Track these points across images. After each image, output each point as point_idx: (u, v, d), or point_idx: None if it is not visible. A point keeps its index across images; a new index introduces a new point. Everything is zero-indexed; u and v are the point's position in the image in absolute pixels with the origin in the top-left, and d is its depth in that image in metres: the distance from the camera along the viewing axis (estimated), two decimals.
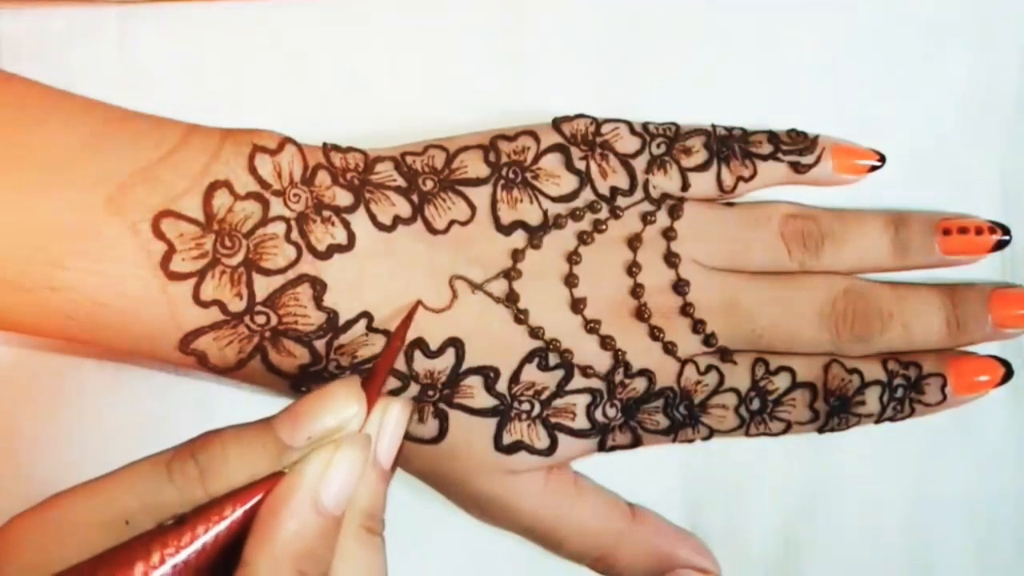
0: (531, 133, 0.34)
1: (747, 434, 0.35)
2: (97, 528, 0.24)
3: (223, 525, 0.23)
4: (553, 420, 0.33)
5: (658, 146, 0.35)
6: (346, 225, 0.31)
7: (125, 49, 0.35)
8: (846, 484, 0.38)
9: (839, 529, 0.38)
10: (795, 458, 0.37)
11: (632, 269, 0.34)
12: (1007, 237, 0.36)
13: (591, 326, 0.33)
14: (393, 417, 0.27)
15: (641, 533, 0.35)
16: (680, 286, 0.34)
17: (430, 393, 0.32)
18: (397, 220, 0.32)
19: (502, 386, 0.32)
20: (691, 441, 0.35)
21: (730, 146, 0.35)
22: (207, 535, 0.23)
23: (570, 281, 0.33)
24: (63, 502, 0.24)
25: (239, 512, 0.24)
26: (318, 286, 0.31)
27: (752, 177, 0.35)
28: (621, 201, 0.34)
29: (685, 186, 0.35)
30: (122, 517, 0.24)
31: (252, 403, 0.35)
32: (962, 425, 0.38)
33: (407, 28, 0.36)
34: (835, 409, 0.35)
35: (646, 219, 0.34)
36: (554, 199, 0.34)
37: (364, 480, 0.25)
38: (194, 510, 0.24)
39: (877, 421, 0.36)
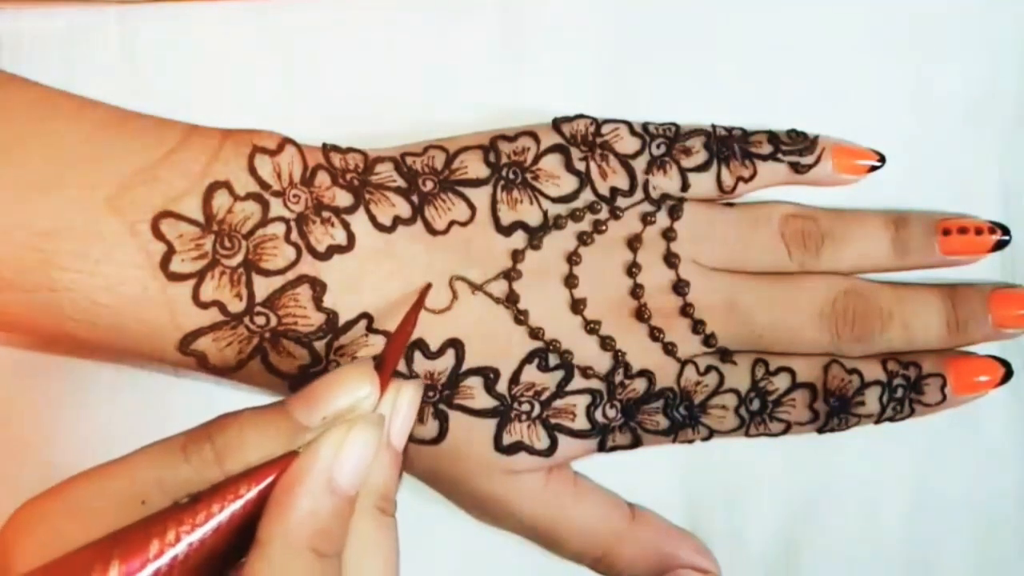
0: (531, 134, 0.34)
1: (747, 434, 0.35)
2: (112, 508, 0.24)
3: (238, 504, 0.23)
4: (553, 421, 0.33)
5: (658, 146, 0.35)
6: (346, 226, 0.31)
7: (125, 49, 0.35)
8: (846, 484, 0.38)
9: (839, 529, 0.38)
10: (795, 458, 0.37)
11: (632, 270, 0.34)
12: (1007, 237, 0.36)
13: (591, 327, 0.33)
14: (406, 398, 0.26)
15: (641, 533, 0.35)
16: (680, 286, 0.34)
17: (430, 394, 0.32)
18: (397, 221, 0.32)
19: (502, 387, 0.32)
20: (691, 442, 0.35)
21: (730, 146, 0.35)
22: (222, 514, 0.23)
23: (570, 282, 0.33)
24: (78, 483, 0.24)
25: (254, 492, 0.24)
26: (318, 287, 0.31)
27: (752, 177, 0.35)
28: (621, 202, 0.34)
29: (685, 186, 0.35)
30: (138, 497, 0.24)
31: (251, 403, 0.35)
32: (962, 425, 0.38)
33: (407, 28, 0.36)
34: (835, 409, 0.35)
35: (646, 220, 0.34)
36: (554, 200, 0.34)
37: (377, 461, 0.25)
38: (209, 488, 0.24)
39: (877, 421, 0.36)
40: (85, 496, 0.24)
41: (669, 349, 0.34)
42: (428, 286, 0.32)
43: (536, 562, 0.36)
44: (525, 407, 0.33)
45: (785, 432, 0.35)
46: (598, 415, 0.34)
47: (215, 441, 0.24)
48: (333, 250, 0.31)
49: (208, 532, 0.23)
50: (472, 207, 0.33)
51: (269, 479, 0.24)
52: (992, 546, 0.39)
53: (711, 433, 0.35)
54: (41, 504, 0.24)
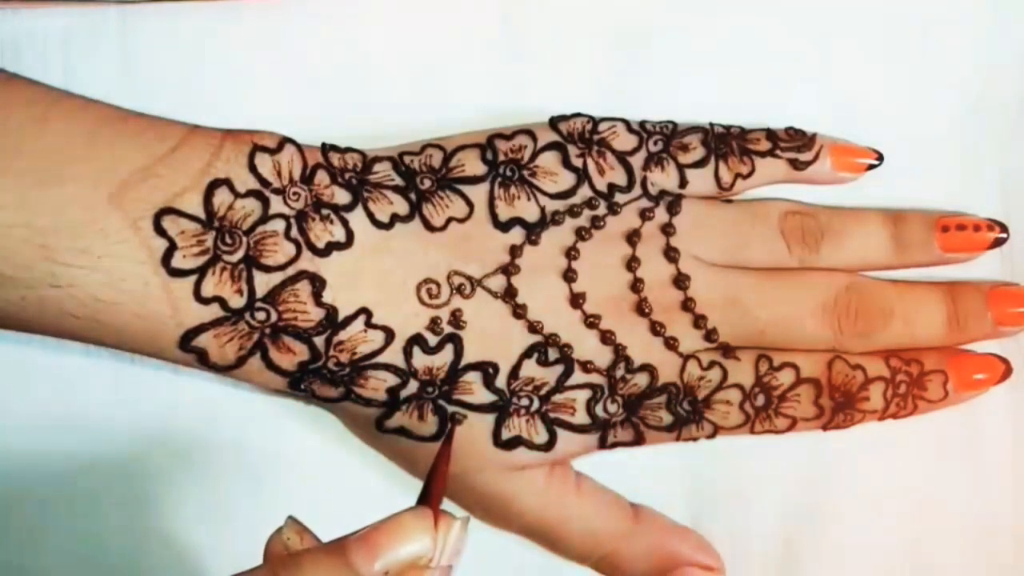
0: (528, 132, 0.34)
1: (752, 431, 0.35)
2: None
3: None
4: (552, 415, 0.33)
5: (655, 143, 0.35)
6: (345, 223, 0.31)
7: (125, 49, 0.35)
8: (848, 484, 0.38)
9: (841, 529, 0.38)
10: (797, 458, 0.37)
11: (631, 264, 0.34)
12: (1004, 235, 0.37)
13: (591, 320, 0.33)
14: (452, 537, 0.26)
15: (644, 531, 0.35)
16: (680, 280, 0.34)
17: (429, 390, 0.32)
18: (395, 218, 0.32)
19: (501, 382, 0.32)
20: (695, 439, 0.35)
21: (728, 143, 0.35)
22: None
23: (568, 276, 0.33)
24: None
25: None
26: (317, 282, 0.31)
27: (750, 174, 0.35)
28: (619, 198, 0.34)
29: (683, 183, 0.35)
30: None
31: (252, 401, 0.35)
32: (963, 425, 0.37)
33: (406, 28, 0.36)
34: (840, 405, 0.35)
35: (644, 215, 0.34)
36: (552, 196, 0.34)
37: None
38: None
39: (880, 418, 0.36)
40: None
41: (671, 344, 0.34)
42: (455, 423, 0.32)
43: (537, 563, 0.36)
44: (524, 402, 0.33)
45: (790, 428, 0.35)
46: (599, 410, 0.33)
47: None
48: (332, 247, 0.31)
49: None
50: (470, 204, 0.33)
51: None
52: (992, 547, 0.38)
53: (715, 430, 0.35)
54: None
